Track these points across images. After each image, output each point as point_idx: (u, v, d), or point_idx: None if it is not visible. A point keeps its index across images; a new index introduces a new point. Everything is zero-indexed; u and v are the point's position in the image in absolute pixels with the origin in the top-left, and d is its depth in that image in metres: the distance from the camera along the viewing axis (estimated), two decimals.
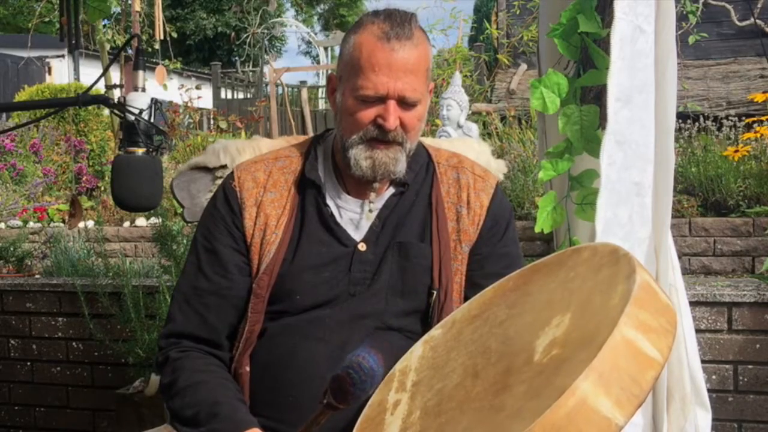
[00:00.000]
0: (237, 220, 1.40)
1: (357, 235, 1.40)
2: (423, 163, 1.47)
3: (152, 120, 1.49)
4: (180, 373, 1.36)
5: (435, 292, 1.38)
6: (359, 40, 1.33)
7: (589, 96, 1.92)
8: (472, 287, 1.39)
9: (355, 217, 1.41)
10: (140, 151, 1.48)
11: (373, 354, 1.05)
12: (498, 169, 1.74)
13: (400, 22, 1.32)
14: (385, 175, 1.37)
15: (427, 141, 1.62)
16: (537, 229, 1.91)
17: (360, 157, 1.35)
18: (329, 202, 1.42)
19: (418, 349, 1.26)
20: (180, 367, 1.37)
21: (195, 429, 1.29)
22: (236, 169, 1.46)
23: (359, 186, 1.41)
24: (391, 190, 1.43)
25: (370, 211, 1.40)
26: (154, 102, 1.50)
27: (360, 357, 1.04)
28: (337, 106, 1.39)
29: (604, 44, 1.80)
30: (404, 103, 1.33)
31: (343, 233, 1.40)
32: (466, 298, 1.35)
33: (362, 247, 1.39)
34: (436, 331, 1.28)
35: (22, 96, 9.37)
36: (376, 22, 1.33)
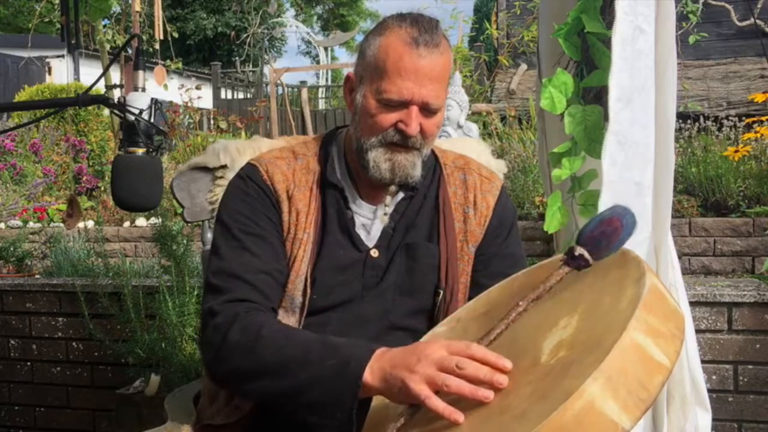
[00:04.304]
0: (275, 211, 1.37)
1: (369, 240, 1.40)
2: (430, 165, 1.46)
3: (152, 120, 1.48)
4: (263, 325, 1.22)
5: (441, 292, 1.39)
6: (386, 43, 1.30)
7: (589, 96, 1.92)
8: (475, 287, 1.40)
9: (367, 222, 1.41)
10: (140, 151, 1.47)
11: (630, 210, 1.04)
12: (498, 169, 1.74)
13: (428, 28, 1.30)
14: (404, 179, 1.35)
15: None
16: (546, 228, 1.91)
17: (380, 159, 1.33)
18: (350, 206, 1.41)
19: None
20: (257, 322, 1.23)
21: (321, 358, 1.13)
22: (259, 163, 1.41)
23: (372, 190, 1.41)
24: (401, 194, 1.42)
25: (385, 214, 1.40)
26: (154, 102, 1.50)
27: (621, 208, 1.03)
28: (355, 106, 1.37)
29: (609, 44, 1.80)
30: (426, 110, 1.31)
31: (358, 238, 1.39)
32: (469, 299, 1.35)
33: (375, 253, 1.38)
34: (440, 329, 1.28)
35: (22, 96, 9.35)
36: (403, 26, 1.30)
